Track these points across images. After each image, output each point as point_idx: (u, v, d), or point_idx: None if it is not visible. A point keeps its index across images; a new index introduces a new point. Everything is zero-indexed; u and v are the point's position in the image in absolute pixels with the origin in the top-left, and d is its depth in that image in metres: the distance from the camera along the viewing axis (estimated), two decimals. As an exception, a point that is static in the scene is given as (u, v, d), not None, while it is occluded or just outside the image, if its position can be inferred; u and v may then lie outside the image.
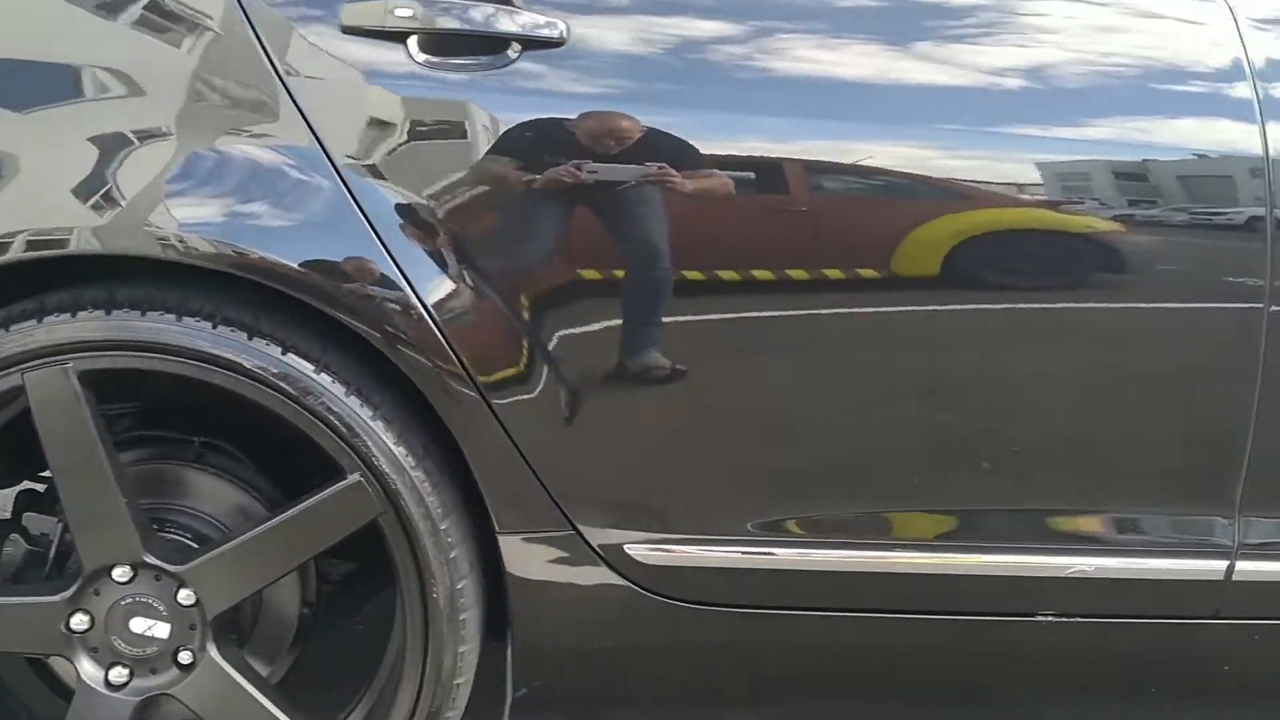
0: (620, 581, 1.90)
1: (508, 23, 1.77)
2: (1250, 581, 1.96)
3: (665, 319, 1.81)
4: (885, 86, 1.84)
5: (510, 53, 1.76)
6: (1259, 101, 1.86)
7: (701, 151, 1.78)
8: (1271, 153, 1.85)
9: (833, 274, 1.81)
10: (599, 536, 1.89)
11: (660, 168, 1.77)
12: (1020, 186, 1.86)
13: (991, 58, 1.87)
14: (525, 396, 1.81)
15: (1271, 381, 1.88)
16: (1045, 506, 1.95)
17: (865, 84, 1.85)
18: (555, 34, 1.76)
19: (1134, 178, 1.88)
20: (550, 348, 1.80)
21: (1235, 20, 1.89)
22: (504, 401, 1.80)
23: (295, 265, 1.73)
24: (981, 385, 1.89)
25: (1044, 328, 1.87)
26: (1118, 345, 1.89)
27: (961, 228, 1.83)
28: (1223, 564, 1.95)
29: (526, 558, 1.89)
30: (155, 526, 1.89)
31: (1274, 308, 1.85)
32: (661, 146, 1.78)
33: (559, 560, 1.89)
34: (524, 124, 1.77)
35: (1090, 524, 1.96)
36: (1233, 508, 1.94)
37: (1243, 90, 1.87)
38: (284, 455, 1.95)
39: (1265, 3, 1.91)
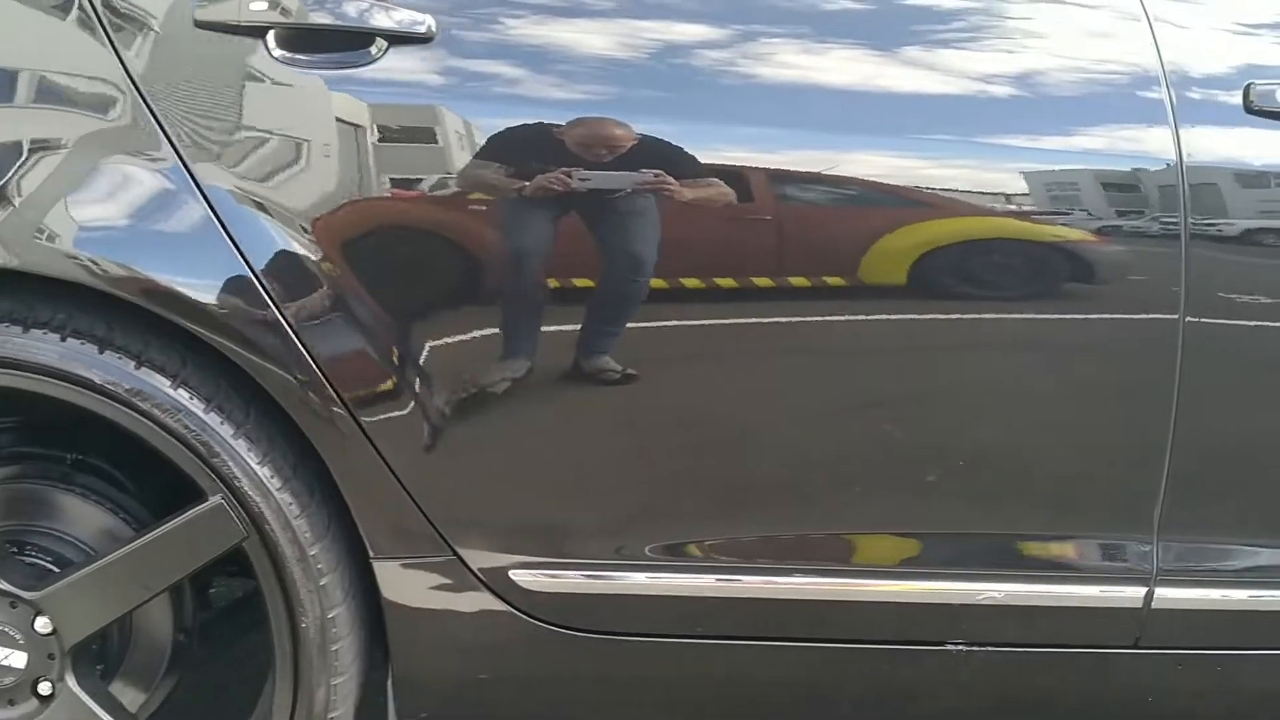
0: (505, 608, 1.81)
1: (379, 18, 1.67)
2: (1171, 609, 1.87)
3: (543, 331, 1.72)
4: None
5: (374, 50, 1.67)
6: (1172, 107, 1.77)
7: (580, 154, 1.69)
8: (1185, 159, 1.76)
9: (699, 282, 1.73)
10: (481, 561, 1.80)
11: (538, 170, 1.68)
12: (931, 194, 1.77)
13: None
14: (397, 414, 1.72)
15: (1189, 395, 1.79)
16: (953, 529, 1.86)
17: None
18: (423, 29, 1.67)
19: (1041, 185, 1.79)
20: (423, 362, 1.71)
21: (1150, 24, 1.80)
22: (375, 419, 1.71)
23: (142, 274, 1.64)
24: (885, 403, 1.81)
25: (947, 342, 1.79)
26: (1027, 358, 1.81)
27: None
28: (1141, 590, 1.86)
29: (404, 584, 1.80)
30: (15, 549, 1.82)
31: (1189, 318, 1.76)
32: (540, 149, 1.69)
33: (439, 586, 1.80)
34: (391, 126, 1.69)
35: (1001, 548, 1.86)
36: (1151, 530, 1.85)
37: (1156, 95, 1.78)
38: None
39: (1178, 7, 1.84)
